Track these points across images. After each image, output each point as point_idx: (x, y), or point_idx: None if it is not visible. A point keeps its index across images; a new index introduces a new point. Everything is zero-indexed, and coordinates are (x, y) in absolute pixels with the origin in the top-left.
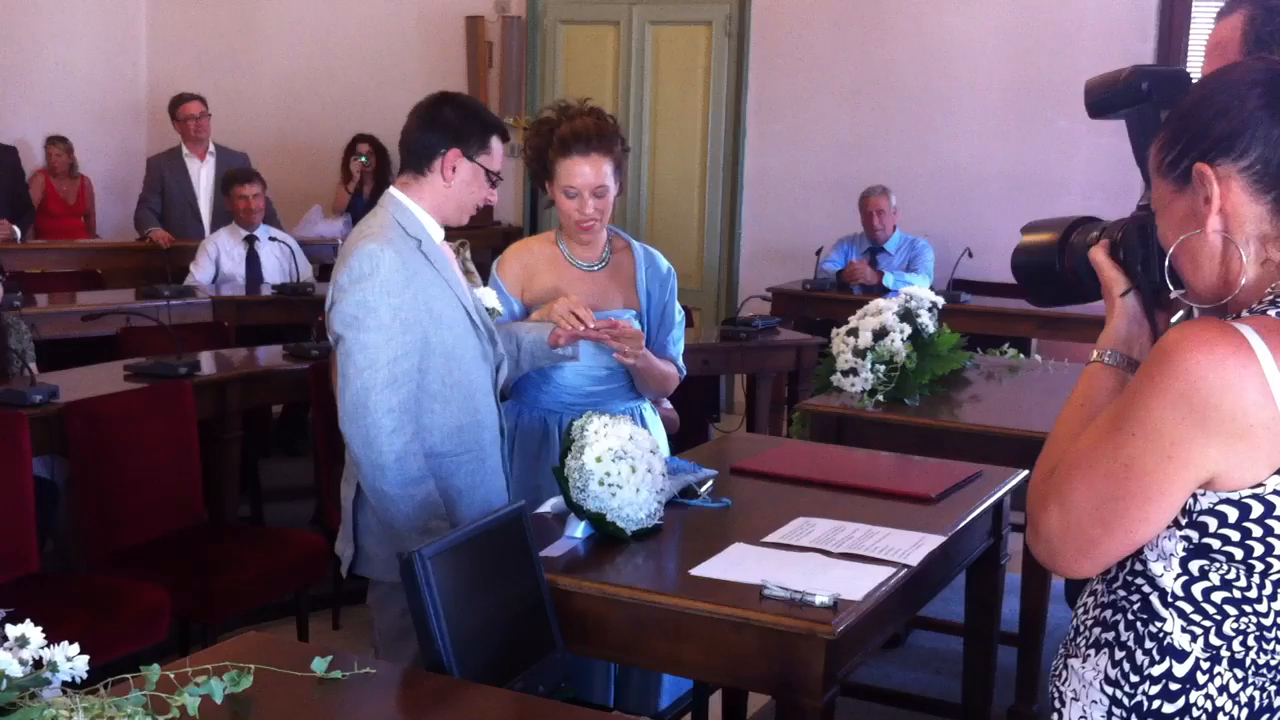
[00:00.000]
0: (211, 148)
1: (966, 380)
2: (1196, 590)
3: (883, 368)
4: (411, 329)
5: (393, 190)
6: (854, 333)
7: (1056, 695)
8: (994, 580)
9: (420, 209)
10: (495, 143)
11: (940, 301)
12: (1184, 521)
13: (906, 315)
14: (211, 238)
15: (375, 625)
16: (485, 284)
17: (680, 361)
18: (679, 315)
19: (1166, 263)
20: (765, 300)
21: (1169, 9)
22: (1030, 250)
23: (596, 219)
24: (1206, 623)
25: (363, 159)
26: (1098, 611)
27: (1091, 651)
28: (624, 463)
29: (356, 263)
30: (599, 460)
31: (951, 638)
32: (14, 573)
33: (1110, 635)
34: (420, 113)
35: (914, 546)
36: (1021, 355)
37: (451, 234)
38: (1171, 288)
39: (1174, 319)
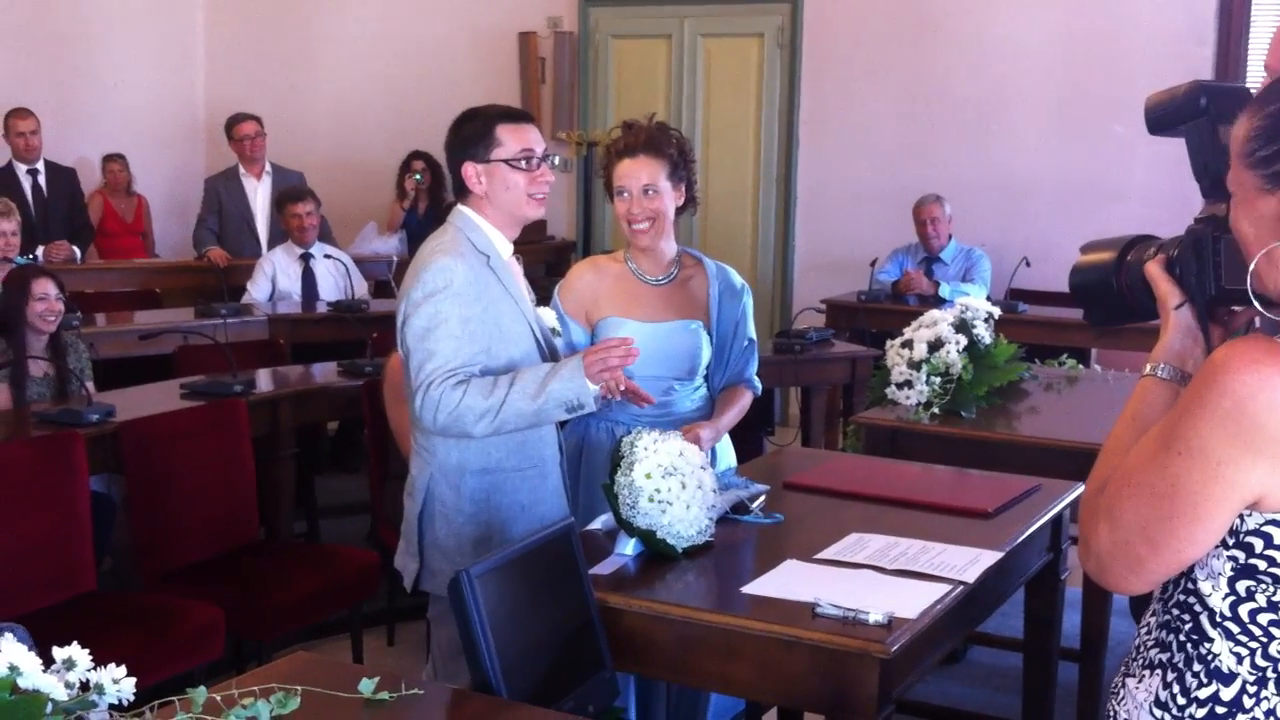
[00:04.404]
0: (268, 167)
1: (1024, 392)
2: (1243, 611)
3: (938, 380)
4: (478, 340)
5: (461, 207)
6: (909, 344)
7: (1112, 715)
8: (1053, 596)
9: (488, 224)
10: (501, 130)
11: (996, 312)
12: (1230, 541)
13: (962, 326)
14: (268, 256)
15: (434, 640)
16: (537, 298)
17: (755, 380)
18: (751, 333)
19: (1252, 265)
20: (819, 312)
21: (1227, 13)
22: (1087, 269)
23: (647, 218)
24: (1253, 644)
25: (417, 177)
26: (1158, 632)
27: (1146, 672)
28: (674, 479)
29: (430, 276)
30: (649, 477)
31: (1011, 654)
32: (71, 591)
33: (1165, 656)
34: (445, 143)
35: (970, 563)
36: (1080, 366)
37: None
38: (1238, 289)
39: (1235, 332)
